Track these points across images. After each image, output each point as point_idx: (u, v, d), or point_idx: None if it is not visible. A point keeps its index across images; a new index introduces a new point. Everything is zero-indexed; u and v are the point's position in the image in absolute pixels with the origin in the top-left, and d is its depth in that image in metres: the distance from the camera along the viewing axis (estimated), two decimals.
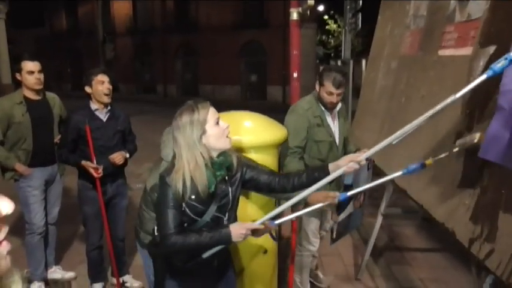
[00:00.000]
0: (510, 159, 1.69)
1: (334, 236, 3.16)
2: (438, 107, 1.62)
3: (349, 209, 2.99)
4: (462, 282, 3.12)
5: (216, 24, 20.22)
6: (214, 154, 1.64)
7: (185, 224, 1.65)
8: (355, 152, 2.98)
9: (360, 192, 2.94)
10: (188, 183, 1.58)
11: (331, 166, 1.69)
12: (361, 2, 6.60)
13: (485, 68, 2.10)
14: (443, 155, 1.83)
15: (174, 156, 1.64)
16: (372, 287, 3.21)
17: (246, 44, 19.98)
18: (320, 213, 2.94)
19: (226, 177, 1.69)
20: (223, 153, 1.66)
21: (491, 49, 2.10)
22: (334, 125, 2.79)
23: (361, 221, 3.31)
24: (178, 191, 1.58)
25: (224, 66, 20.28)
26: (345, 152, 2.91)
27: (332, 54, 22.98)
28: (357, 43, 18.50)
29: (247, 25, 19.47)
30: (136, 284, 3.26)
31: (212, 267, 1.77)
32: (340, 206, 3.04)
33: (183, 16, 21.63)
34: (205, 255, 1.69)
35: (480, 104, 2.07)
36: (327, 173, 1.68)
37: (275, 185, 1.75)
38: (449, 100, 1.62)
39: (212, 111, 1.63)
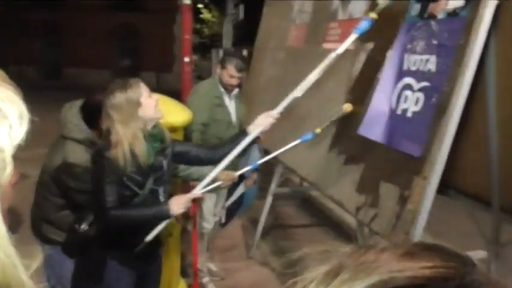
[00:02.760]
0: (388, 137, 2.01)
1: (223, 220, 3.25)
2: (325, 62, 2.02)
3: (240, 190, 3.12)
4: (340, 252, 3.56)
5: (86, 2, 18.55)
6: (149, 127, 1.70)
7: (126, 200, 1.66)
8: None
9: (251, 171, 3.14)
10: (128, 156, 1.59)
11: (249, 127, 1.85)
12: None
13: (367, 61, 2.43)
14: (327, 123, 2.31)
15: (108, 133, 1.63)
16: (264, 263, 3.45)
17: (119, 26, 18.82)
18: (217, 190, 3.03)
19: (160, 150, 1.76)
20: (156, 126, 1.73)
21: (371, 45, 2.43)
22: (231, 106, 2.98)
23: (256, 199, 3.48)
24: (118, 165, 1.59)
25: (93, 49, 18.77)
26: None
27: (208, 43, 23.12)
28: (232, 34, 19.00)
29: (120, 7, 18.33)
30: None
31: (150, 248, 1.78)
32: (230, 191, 3.15)
33: None
34: (149, 237, 1.71)
35: (362, 92, 2.37)
36: (246, 134, 1.84)
37: (203, 157, 1.86)
38: (332, 55, 2.01)
39: (143, 84, 1.70)
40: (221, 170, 1.86)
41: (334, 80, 2.72)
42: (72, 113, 1.91)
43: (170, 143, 1.84)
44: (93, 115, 1.84)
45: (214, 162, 1.86)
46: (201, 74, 22.37)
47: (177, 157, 1.85)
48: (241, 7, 6.82)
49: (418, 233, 1.72)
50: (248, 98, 4.62)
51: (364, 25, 1.96)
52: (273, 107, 3.70)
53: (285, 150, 2.25)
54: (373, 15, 1.95)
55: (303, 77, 3.24)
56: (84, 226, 1.74)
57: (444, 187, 2.28)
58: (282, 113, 3.47)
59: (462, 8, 1.77)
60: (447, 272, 0.30)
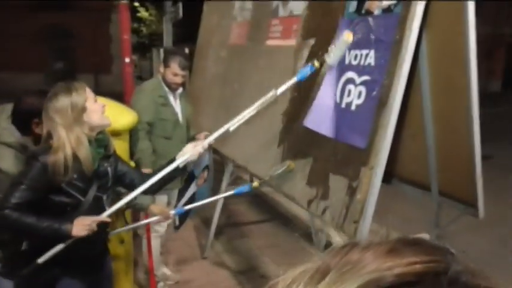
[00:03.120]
0: (335, 130, 2.07)
1: (177, 222, 3.20)
2: (262, 100, 2.07)
3: (191, 190, 3.09)
4: (291, 243, 3.63)
5: (9, 2, 17.23)
6: (95, 133, 1.65)
7: (68, 208, 1.59)
8: (194, 136, 3.15)
9: (204, 170, 3.12)
10: (70, 162, 1.52)
11: (178, 155, 1.83)
12: None
13: (309, 57, 2.48)
14: (266, 178, 2.30)
15: (48, 137, 1.56)
16: (219, 262, 3.43)
17: (47, 27, 17.74)
18: (169, 191, 2.98)
19: (105, 156, 1.72)
20: (101, 132, 1.68)
21: (312, 41, 2.48)
22: (177, 105, 2.96)
23: (209, 195, 3.44)
24: (55, 171, 1.51)
25: (21, 52, 17.54)
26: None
27: (147, 42, 22.46)
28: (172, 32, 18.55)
29: (47, 6, 17.25)
30: None
31: (92, 257, 1.70)
32: (181, 192, 3.11)
33: None
34: (41, 259, 1.60)
35: (307, 88, 2.42)
36: (173, 160, 1.82)
37: (137, 183, 1.80)
38: (270, 94, 2.08)
39: (88, 89, 1.63)
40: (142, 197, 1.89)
41: (279, 77, 2.75)
42: (2, 116, 1.78)
43: (114, 154, 1.81)
44: (25, 120, 1.74)
45: (147, 190, 1.80)
46: (142, 75, 21.70)
47: (116, 173, 1.80)
48: (180, 5, 6.68)
49: (367, 222, 1.79)
50: (193, 97, 4.58)
51: (306, 70, 2.05)
52: (218, 104, 3.73)
53: (220, 198, 2.34)
54: (316, 64, 2.05)
55: (247, 74, 3.28)
56: (25, 246, 1.62)
57: (387, 176, 2.40)
58: (227, 112, 3.51)
59: (396, 4, 1.86)
60: (437, 266, 0.31)
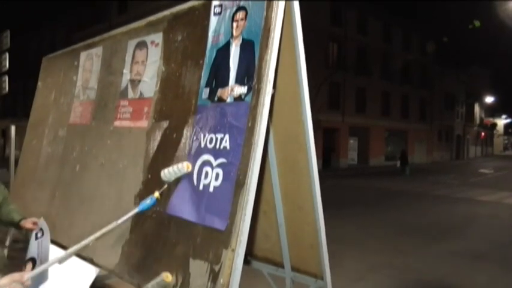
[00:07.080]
0: (195, 213, 2.04)
1: None
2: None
3: None
4: None
5: None
6: None
7: None
8: (19, 221, 2.67)
9: (27, 261, 2.62)
10: None
11: None
12: (7, 63, 6.07)
13: (163, 139, 2.45)
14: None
15: None
16: None
17: None
18: None
19: None
20: None
21: (165, 124, 2.48)
22: None
23: None
24: None
25: None
26: (6, 219, 2.70)
27: None
28: None
29: None
30: None
31: None
32: None
33: None
34: None
35: (159, 170, 2.35)
36: None
37: None
38: (111, 225, 2.12)
39: None
40: None
41: (130, 158, 2.64)
42: None
43: None
44: None
45: None
46: None
47: None
48: (6, 78, 6.02)
49: None
50: (23, 177, 3.97)
51: (148, 202, 2.14)
52: (55, 187, 3.31)
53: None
54: (157, 195, 2.14)
55: (92, 155, 3.04)
56: None
57: (245, 256, 2.41)
58: (65, 194, 3.13)
59: (246, 94, 2.03)
60: None
